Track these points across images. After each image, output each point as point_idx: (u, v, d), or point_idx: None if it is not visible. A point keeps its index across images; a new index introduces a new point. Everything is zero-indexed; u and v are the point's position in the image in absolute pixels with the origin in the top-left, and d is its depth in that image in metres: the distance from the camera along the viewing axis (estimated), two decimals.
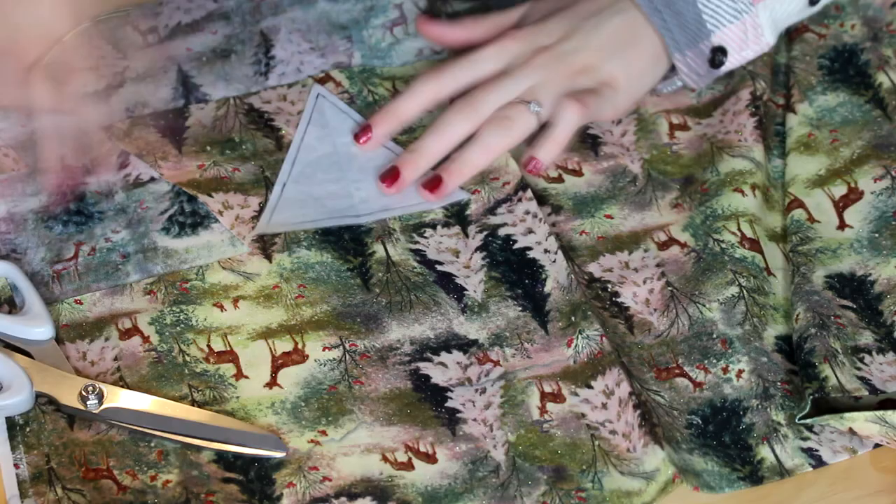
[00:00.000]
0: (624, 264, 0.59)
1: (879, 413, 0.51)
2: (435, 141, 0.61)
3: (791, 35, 0.67)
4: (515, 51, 0.62)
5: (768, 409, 0.53)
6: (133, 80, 0.65)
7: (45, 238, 0.59)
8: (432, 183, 0.60)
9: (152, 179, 0.61)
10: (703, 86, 0.63)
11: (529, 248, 0.59)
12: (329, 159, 0.62)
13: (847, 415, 0.52)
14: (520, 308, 0.57)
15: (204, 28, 0.67)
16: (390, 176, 0.60)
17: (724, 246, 0.58)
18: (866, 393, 0.53)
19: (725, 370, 0.55)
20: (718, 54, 0.62)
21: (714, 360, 0.55)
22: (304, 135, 0.63)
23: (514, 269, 0.58)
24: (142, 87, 0.65)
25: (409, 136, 0.63)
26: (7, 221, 0.60)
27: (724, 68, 0.63)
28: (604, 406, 0.54)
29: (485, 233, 0.59)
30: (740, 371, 0.55)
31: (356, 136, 0.62)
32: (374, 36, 0.67)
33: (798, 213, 0.60)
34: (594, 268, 0.59)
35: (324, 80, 0.65)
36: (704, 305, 0.57)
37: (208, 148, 0.63)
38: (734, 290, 0.57)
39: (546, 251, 0.59)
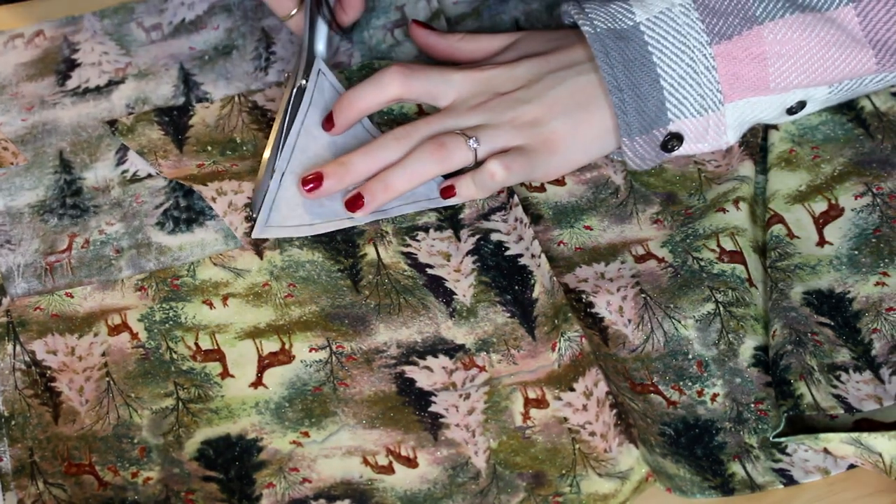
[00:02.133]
0: (599, 275, 0.55)
1: (855, 435, 0.48)
2: (363, 161, 0.56)
3: None
4: (476, 88, 0.57)
5: (741, 433, 0.50)
6: (135, 76, 0.63)
7: (40, 230, 0.56)
8: (353, 201, 0.56)
9: (150, 176, 0.59)
10: (647, 168, 0.58)
11: (520, 255, 0.55)
12: (327, 152, 0.58)
13: (822, 435, 0.49)
14: (508, 314, 0.53)
15: (206, 24, 0.65)
16: (313, 181, 0.56)
17: (702, 263, 0.55)
18: (842, 412, 0.50)
19: (700, 393, 0.51)
20: (673, 140, 0.56)
21: (689, 383, 0.52)
22: (305, 118, 0.59)
23: (504, 275, 0.55)
24: (143, 83, 0.62)
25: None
26: (3, 214, 0.57)
27: (675, 154, 0.57)
28: (584, 408, 0.50)
29: (477, 237, 0.56)
30: (715, 395, 0.51)
31: (324, 126, 0.58)
32: (374, 37, 0.64)
33: (778, 229, 0.56)
34: (570, 279, 0.55)
35: None
36: (680, 322, 0.53)
37: (209, 148, 0.60)
38: (710, 306, 0.53)
39: (532, 255, 0.55)
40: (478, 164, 0.56)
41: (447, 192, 0.56)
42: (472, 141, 0.55)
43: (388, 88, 0.57)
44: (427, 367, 0.52)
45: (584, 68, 0.56)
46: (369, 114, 0.59)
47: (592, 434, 0.49)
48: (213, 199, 0.56)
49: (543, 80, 0.56)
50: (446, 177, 0.57)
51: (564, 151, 0.56)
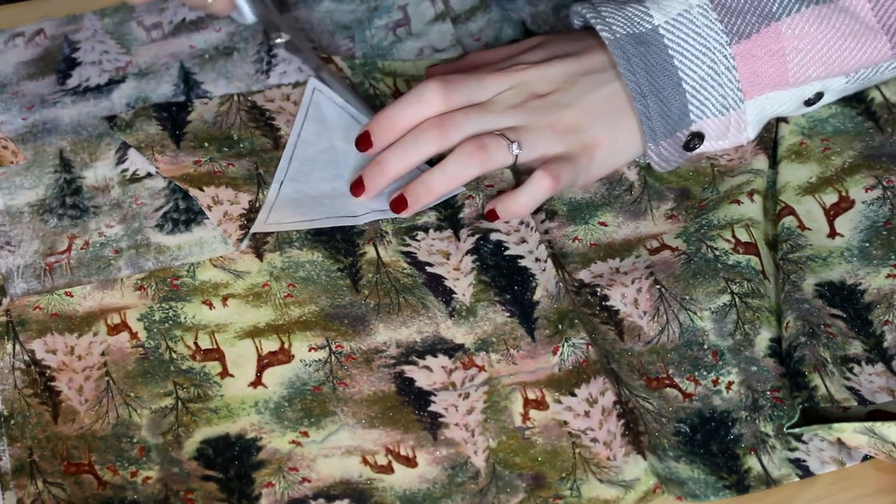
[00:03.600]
0: (614, 270, 0.55)
1: (868, 424, 0.48)
2: (399, 158, 0.56)
3: None
4: (512, 88, 0.56)
5: (757, 421, 0.50)
6: (135, 75, 0.63)
7: (40, 231, 0.57)
8: (397, 203, 0.56)
9: (149, 175, 0.59)
10: (671, 168, 0.58)
11: (521, 257, 0.55)
12: (326, 156, 0.59)
13: (836, 425, 0.48)
14: (507, 314, 0.53)
15: (208, 25, 0.65)
16: (357, 186, 0.56)
17: (717, 253, 0.55)
18: (855, 404, 0.50)
19: (716, 382, 0.51)
20: (695, 139, 0.56)
21: (704, 373, 0.52)
22: (301, 130, 0.59)
23: (503, 275, 0.55)
24: (143, 82, 0.63)
25: None
26: (3, 214, 0.57)
27: (697, 152, 0.57)
28: (586, 414, 0.50)
29: (476, 236, 0.56)
30: (730, 383, 0.51)
31: (358, 145, 0.57)
32: (376, 36, 0.65)
33: (789, 221, 0.56)
34: (584, 274, 0.55)
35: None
36: (696, 313, 0.53)
37: (206, 144, 0.60)
38: (726, 298, 0.53)
39: (537, 259, 0.55)
40: (513, 167, 0.56)
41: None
42: (514, 146, 0.55)
43: (431, 104, 0.55)
44: (426, 367, 0.52)
45: (613, 74, 0.56)
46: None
47: (594, 441, 0.49)
48: (209, 208, 0.57)
49: (579, 82, 0.56)
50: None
51: (604, 157, 0.56)
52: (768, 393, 0.50)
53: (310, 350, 0.52)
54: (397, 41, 0.64)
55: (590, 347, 0.52)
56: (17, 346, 0.52)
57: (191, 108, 0.61)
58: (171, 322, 0.53)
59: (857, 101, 0.61)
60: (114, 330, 0.53)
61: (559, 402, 0.51)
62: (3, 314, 0.53)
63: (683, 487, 0.48)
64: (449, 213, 0.57)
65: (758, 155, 0.58)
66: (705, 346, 0.52)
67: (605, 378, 0.51)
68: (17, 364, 0.52)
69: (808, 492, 0.49)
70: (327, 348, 0.52)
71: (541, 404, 0.51)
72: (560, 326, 0.53)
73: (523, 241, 0.56)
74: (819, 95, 0.57)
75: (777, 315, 0.53)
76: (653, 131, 0.55)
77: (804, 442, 0.49)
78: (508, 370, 0.52)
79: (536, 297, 0.54)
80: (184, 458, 0.49)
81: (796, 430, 0.49)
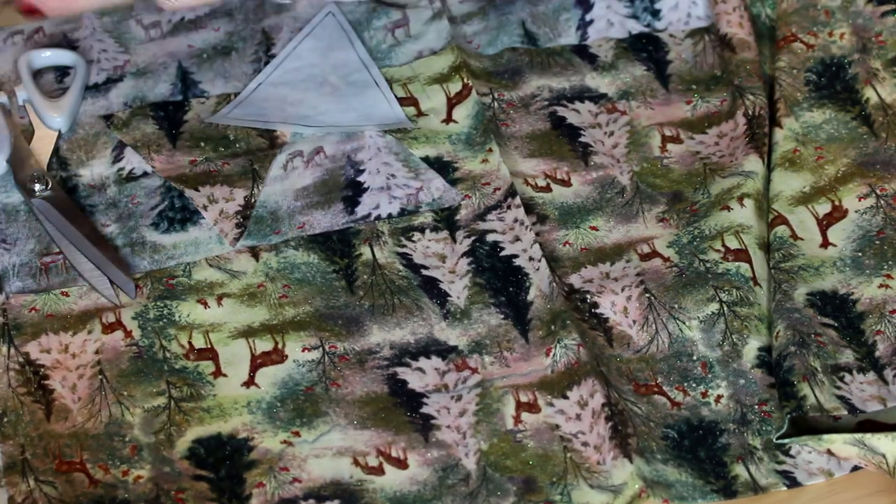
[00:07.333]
0: (605, 275, 0.55)
1: (858, 436, 0.48)
2: None
3: (778, 44, 0.63)
4: None
5: (745, 434, 0.50)
6: (133, 74, 0.63)
7: (36, 230, 0.57)
8: None
9: (145, 174, 0.59)
10: None
11: (515, 256, 0.55)
12: (312, 69, 0.59)
13: (826, 436, 0.48)
14: (502, 316, 0.54)
15: (206, 25, 0.65)
16: None
17: (708, 265, 0.55)
18: (845, 412, 0.50)
19: (704, 394, 0.51)
20: None
21: (694, 384, 0.52)
22: (299, 45, 0.60)
23: (498, 276, 0.55)
24: (141, 81, 0.63)
25: (402, 135, 0.59)
26: None
27: None
28: (577, 417, 0.50)
29: (472, 238, 0.56)
30: (719, 396, 0.51)
31: None
32: (375, 37, 0.64)
33: (781, 230, 0.56)
34: (575, 279, 0.55)
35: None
36: (684, 323, 0.53)
37: (202, 144, 0.60)
38: (714, 306, 0.53)
39: (531, 259, 0.55)
40: None
41: None
42: None
43: None
44: (419, 369, 0.52)
45: None
46: None
47: (585, 444, 0.49)
48: (205, 207, 0.57)
49: None
50: (452, 183, 0.57)
51: None
52: (756, 407, 0.50)
53: (303, 350, 0.52)
54: (396, 44, 0.64)
55: (580, 348, 0.52)
56: (12, 350, 0.52)
57: (188, 108, 0.61)
58: (165, 320, 0.53)
59: (851, 103, 0.61)
60: (108, 328, 0.53)
61: (551, 404, 0.51)
62: None
63: (671, 490, 0.48)
64: (445, 215, 0.57)
65: (749, 155, 0.58)
66: (694, 358, 0.52)
67: (594, 380, 0.51)
68: (12, 365, 0.51)
69: (809, 492, 0.49)
70: (321, 349, 0.52)
71: (533, 407, 0.51)
72: (552, 327, 0.53)
73: (517, 239, 0.56)
74: None
75: (767, 322, 0.53)
76: None
77: (792, 456, 0.49)
78: (501, 372, 0.52)
79: (530, 297, 0.54)
80: (175, 457, 0.49)
81: (785, 444, 0.49)
